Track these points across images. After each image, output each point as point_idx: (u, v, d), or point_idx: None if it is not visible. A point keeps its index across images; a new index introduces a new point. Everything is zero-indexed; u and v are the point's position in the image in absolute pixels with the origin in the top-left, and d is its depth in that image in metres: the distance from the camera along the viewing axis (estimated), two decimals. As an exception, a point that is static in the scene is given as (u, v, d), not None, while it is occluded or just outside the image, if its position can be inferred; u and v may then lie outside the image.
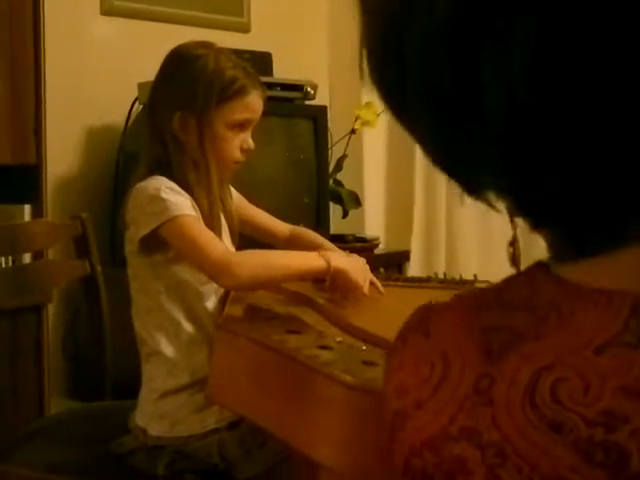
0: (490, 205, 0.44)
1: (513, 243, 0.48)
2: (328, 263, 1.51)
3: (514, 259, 0.47)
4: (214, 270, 1.46)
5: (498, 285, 0.45)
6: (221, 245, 1.51)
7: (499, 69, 0.38)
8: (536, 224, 0.44)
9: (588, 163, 0.39)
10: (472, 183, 0.44)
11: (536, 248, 0.46)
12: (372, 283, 1.63)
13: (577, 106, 0.37)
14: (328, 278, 1.54)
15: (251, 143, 1.63)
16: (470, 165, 0.43)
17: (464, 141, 0.42)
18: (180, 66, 1.60)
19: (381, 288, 1.63)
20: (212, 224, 1.56)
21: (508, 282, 0.45)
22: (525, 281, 0.44)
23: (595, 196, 0.39)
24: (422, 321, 0.47)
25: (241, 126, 1.60)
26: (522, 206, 0.43)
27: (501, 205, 0.44)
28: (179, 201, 1.51)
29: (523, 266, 0.46)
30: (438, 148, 0.45)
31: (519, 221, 0.45)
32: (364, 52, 0.46)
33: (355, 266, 1.58)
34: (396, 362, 0.47)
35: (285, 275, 1.51)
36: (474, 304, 0.45)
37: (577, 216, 0.41)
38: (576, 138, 0.38)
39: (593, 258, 0.41)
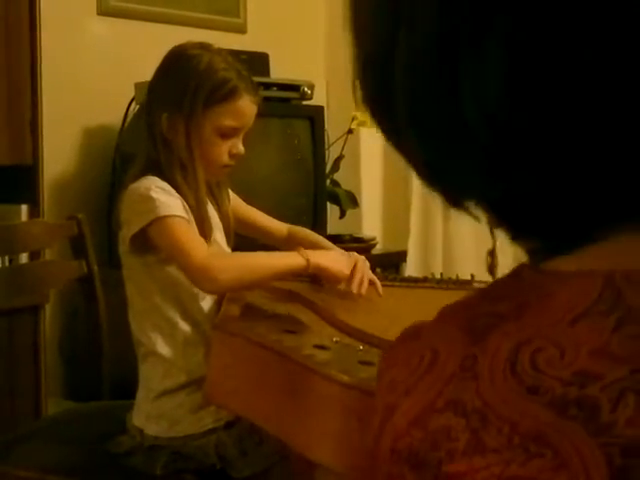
0: (471, 215, 0.46)
1: (492, 253, 0.49)
2: (307, 261, 1.51)
3: (492, 268, 0.49)
4: (196, 275, 1.45)
5: (485, 287, 0.48)
6: (204, 249, 1.48)
7: (475, 79, 0.39)
8: (515, 234, 0.45)
9: (564, 174, 0.40)
10: (455, 195, 0.46)
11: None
12: (373, 283, 1.63)
13: (554, 119, 0.39)
14: (310, 275, 1.56)
15: (241, 148, 1.61)
16: (455, 177, 0.44)
17: (449, 154, 0.43)
18: (174, 65, 1.60)
19: (380, 289, 1.63)
20: (200, 225, 1.56)
21: (494, 282, 0.47)
22: (510, 277, 0.46)
23: (572, 205, 0.41)
24: (412, 330, 0.49)
25: (230, 134, 1.59)
26: (502, 217, 0.45)
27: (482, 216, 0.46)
28: (169, 201, 1.50)
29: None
30: (424, 161, 0.45)
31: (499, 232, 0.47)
32: (355, 72, 0.47)
33: (334, 259, 1.59)
34: (387, 363, 0.49)
35: (266, 276, 1.52)
36: (462, 305, 0.48)
37: (553, 223, 0.43)
38: (553, 149, 0.39)
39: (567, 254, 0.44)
